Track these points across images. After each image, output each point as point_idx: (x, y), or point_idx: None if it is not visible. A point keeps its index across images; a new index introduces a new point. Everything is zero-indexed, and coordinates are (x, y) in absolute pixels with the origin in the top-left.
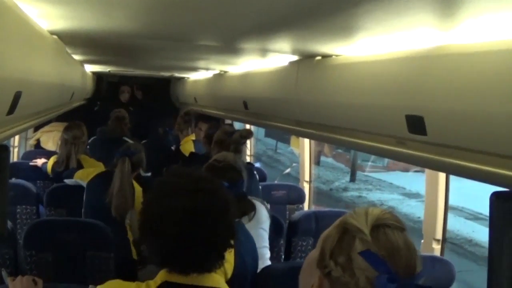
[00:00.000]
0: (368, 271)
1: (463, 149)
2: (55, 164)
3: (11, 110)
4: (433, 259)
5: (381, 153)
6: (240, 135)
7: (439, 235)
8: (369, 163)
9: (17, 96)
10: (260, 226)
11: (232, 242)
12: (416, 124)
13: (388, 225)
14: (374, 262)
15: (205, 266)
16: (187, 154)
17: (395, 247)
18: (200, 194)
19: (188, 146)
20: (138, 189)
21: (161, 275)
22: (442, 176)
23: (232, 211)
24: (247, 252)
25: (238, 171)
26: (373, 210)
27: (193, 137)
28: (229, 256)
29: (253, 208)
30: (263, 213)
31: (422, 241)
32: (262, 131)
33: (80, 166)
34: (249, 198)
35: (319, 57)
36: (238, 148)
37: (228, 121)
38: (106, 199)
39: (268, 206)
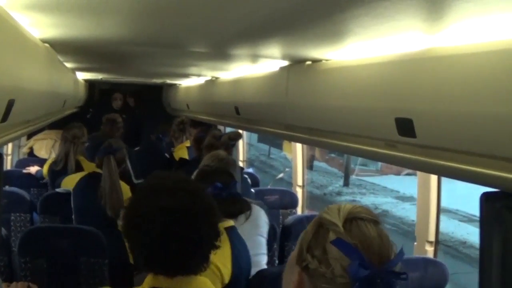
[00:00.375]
0: (342, 260)
1: (452, 151)
2: (52, 163)
3: (4, 118)
4: (426, 261)
5: (372, 157)
6: (229, 137)
7: (432, 237)
8: (357, 167)
9: (10, 104)
10: (258, 232)
11: (217, 243)
12: (405, 126)
13: (361, 218)
14: (346, 250)
15: (190, 267)
16: (177, 159)
17: (367, 237)
18: (180, 193)
19: (181, 152)
20: (125, 187)
21: (148, 280)
22: (434, 178)
23: (214, 211)
24: (242, 256)
25: (229, 173)
26: (345, 206)
27: (187, 143)
28: (227, 262)
29: (248, 207)
30: (262, 218)
31: (415, 243)
32: (255, 136)
33: (79, 166)
34: (245, 198)
35: (309, 62)
36: (228, 151)
37: (219, 127)
38: (96, 202)
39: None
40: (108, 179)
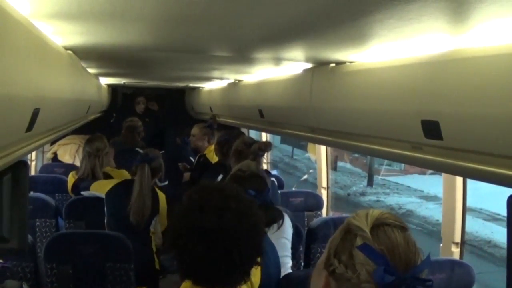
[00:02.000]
0: (368, 265)
1: (479, 153)
2: (78, 180)
3: (30, 127)
4: (453, 262)
5: (397, 159)
6: (259, 147)
7: (457, 239)
8: (383, 167)
9: (35, 113)
10: (283, 235)
11: (258, 259)
12: (432, 129)
13: (388, 224)
14: (372, 255)
15: (229, 281)
16: (212, 161)
17: (394, 243)
18: (228, 213)
19: (213, 154)
20: (161, 195)
21: (185, 286)
22: (459, 179)
23: (260, 230)
24: (272, 263)
25: (263, 179)
26: (374, 211)
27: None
28: (256, 270)
29: (281, 216)
30: (286, 222)
31: (441, 244)
32: (278, 137)
33: (108, 178)
34: (277, 207)
35: (333, 64)
36: (257, 159)
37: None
38: (127, 208)
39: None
40: (138, 187)
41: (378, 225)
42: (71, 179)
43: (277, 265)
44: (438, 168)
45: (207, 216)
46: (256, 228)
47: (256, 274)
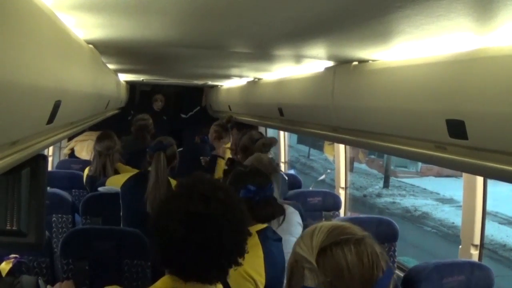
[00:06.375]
0: None
1: (506, 153)
2: (89, 177)
3: (50, 119)
4: (472, 264)
5: (421, 159)
6: (263, 144)
7: (477, 241)
8: (399, 169)
9: (56, 105)
10: (288, 231)
11: (240, 260)
12: (457, 128)
13: (337, 242)
14: None
15: (205, 277)
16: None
17: (344, 266)
18: (215, 202)
19: (226, 153)
20: (174, 183)
21: (163, 280)
22: (479, 181)
23: (245, 228)
24: (277, 263)
25: (265, 175)
26: (321, 228)
27: (229, 145)
28: (260, 269)
29: (282, 212)
30: (294, 219)
31: (460, 246)
32: (294, 137)
33: (116, 174)
34: (279, 202)
35: (355, 63)
36: None
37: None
38: (143, 201)
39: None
40: (154, 175)
41: (325, 249)
42: (86, 173)
43: (282, 263)
44: (462, 169)
45: (193, 201)
46: (240, 224)
47: (260, 273)
